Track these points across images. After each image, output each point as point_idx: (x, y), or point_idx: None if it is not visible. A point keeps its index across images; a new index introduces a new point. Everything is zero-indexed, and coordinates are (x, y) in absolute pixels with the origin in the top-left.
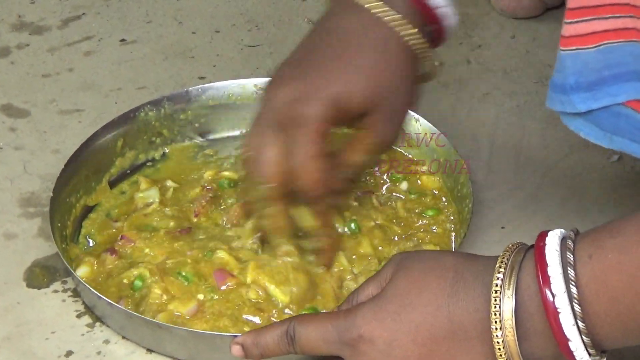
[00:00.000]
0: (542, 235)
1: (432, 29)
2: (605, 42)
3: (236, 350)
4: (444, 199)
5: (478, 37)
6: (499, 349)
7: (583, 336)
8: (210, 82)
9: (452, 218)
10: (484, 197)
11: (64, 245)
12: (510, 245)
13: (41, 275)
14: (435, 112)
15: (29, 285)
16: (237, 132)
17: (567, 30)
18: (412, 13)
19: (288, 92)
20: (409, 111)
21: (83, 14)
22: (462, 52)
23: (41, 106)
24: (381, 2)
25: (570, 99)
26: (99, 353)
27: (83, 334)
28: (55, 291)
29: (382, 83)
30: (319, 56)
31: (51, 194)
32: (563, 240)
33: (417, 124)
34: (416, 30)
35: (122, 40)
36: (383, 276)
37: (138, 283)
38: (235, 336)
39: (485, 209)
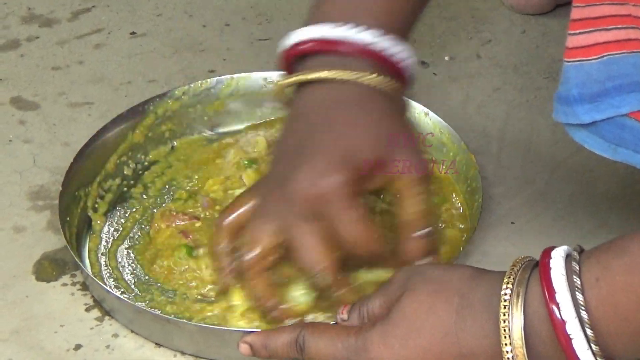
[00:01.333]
0: (546, 254)
1: (393, 73)
2: (607, 53)
3: (244, 348)
4: (454, 195)
5: (488, 32)
6: None
7: (598, 358)
8: (220, 76)
9: (459, 205)
10: (493, 192)
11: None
12: (515, 262)
13: (50, 268)
14: (445, 107)
15: (38, 279)
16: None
17: (571, 41)
18: (371, 65)
19: (301, 182)
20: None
21: (93, 6)
22: (472, 47)
23: (51, 99)
24: (338, 70)
25: (574, 110)
26: (107, 347)
27: (92, 328)
28: (64, 284)
29: (380, 130)
30: (311, 137)
31: (60, 188)
32: (567, 259)
33: (427, 118)
34: (382, 76)
35: (132, 33)
36: (391, 293)
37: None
38: (244, 332)
39: (495, 204)
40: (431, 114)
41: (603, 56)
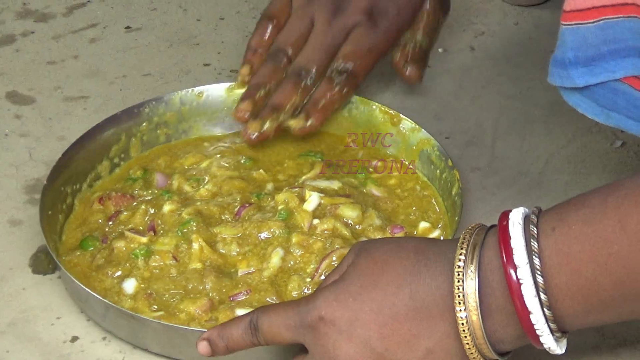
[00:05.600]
0: (505, 214)
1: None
2: (604, 17)
3: (203, 347)
4: (433, 201)
5: (481, 24)
6: (462, 323)
7: (544, 309)
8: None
9: (435, 204)
10: (487, 183)
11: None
12: (472, 225)
13: (46, 261)
14: (438, 99)
15: (35, 271)
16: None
17: (568, 4)
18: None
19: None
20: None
21: (88, 1)
22: (465, 39)
23: (46, 93)
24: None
25: (569, 73)
26: (104, 338)
27: (88, 320)
28: (61, 277)
29: None
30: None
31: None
32: (527, 217)
33: (419, 133)
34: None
35: (127, 27)
36: (344, 264)
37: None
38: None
39: (489, 195)
40: (423, 131)
41: (599, 20)
